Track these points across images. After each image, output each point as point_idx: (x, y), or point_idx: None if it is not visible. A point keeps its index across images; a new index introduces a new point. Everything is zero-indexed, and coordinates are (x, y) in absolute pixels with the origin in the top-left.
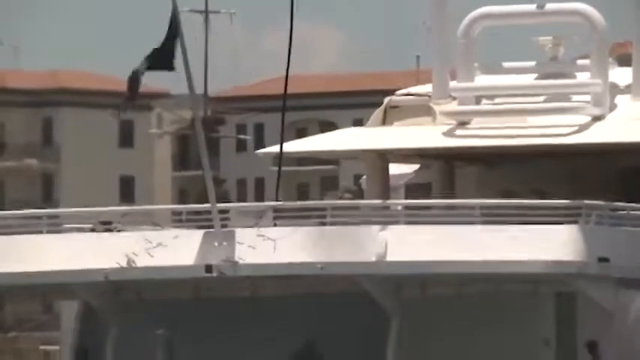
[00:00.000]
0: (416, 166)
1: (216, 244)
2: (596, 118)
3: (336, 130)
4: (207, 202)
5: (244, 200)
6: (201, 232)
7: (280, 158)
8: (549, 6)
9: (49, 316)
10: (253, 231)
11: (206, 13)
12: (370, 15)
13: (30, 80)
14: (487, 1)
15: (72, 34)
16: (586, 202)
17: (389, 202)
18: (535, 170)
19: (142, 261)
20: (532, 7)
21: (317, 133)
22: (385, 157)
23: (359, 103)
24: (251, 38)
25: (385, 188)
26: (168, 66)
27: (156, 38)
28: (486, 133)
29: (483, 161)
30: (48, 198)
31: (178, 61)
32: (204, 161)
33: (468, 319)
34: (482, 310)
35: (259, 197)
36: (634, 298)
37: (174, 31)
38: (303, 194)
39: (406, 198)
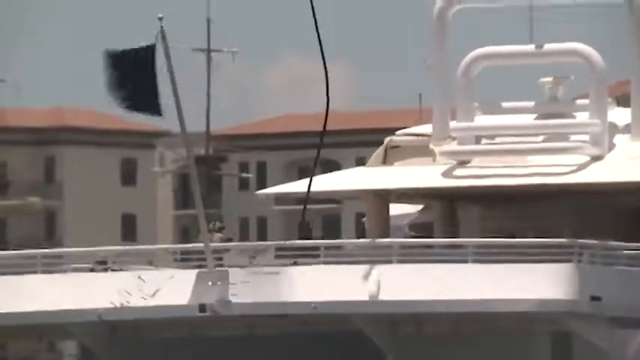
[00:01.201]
0: (420, 206)
1: (210, 283)
2: (595, 158)
3: (338, 171)
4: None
5: (247, 239)
6: (194, 271)
7: (307, 197)
8: (548, 46)
9: (52, 355)
10: (247, 270)
11: (208, 51)
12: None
13: (32, 118)
14: (487, 41)
15: (75, 72)
16: (578, 240)
17: (379, 240)
18: (537, 210)
19: (137, 301)
20: (531, 47)
21: (320, 171)
22: (385, 197)
23: (362, 141)
24: (253, 76)
25: (385, 227)
26: (156, 110)
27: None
28: (485, 173)
29: (484, 201)
30: (51, 236)
31: (169, 98)
32: (198, 201)
33: (465, 357)
34: (478, 348)
35: (261, 236)
36: (630, 337)
37: (149, 66)
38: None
39: (410, 237)
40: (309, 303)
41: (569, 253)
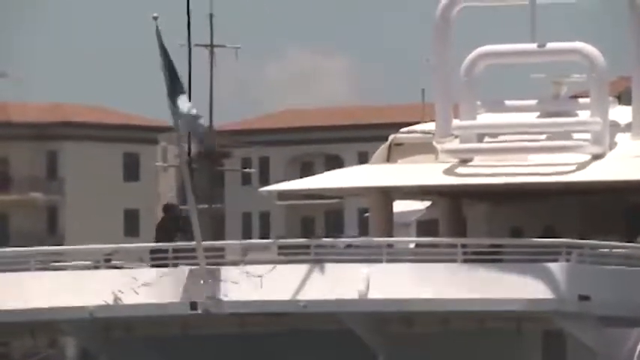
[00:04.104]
0: (427, 203)
1: (201, 281)
2: (596, 157)
3: (341, 168)
4: (213, 234)
5: (249, 234)
6: (186, 269)
7: None
8: (550, 45)
9: (54, 351)
10: (238, 268)
11: (211, 47)
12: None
13: (34, 113)
14: (490, 40)
15: (77, 66)
16: (567, 240)
17: (369, 239)
18: (543, 207)
19: (128, 299)
20: (533, 45)
21: (322, 166)
22: (389, 194)
23: (364, 136)
24: (256, 71)
25: (389, 225)
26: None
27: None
28: (487, 171)
29: (487, 198)
30: (53, 231)
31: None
32: (190, 198)
33: (454, 356)
34: (468, 348)
35: (264, 231)
36: (621, 336)
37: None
38: (307, 228)
39: (417, 234)
40: (299, 301)
41: (557, 253)
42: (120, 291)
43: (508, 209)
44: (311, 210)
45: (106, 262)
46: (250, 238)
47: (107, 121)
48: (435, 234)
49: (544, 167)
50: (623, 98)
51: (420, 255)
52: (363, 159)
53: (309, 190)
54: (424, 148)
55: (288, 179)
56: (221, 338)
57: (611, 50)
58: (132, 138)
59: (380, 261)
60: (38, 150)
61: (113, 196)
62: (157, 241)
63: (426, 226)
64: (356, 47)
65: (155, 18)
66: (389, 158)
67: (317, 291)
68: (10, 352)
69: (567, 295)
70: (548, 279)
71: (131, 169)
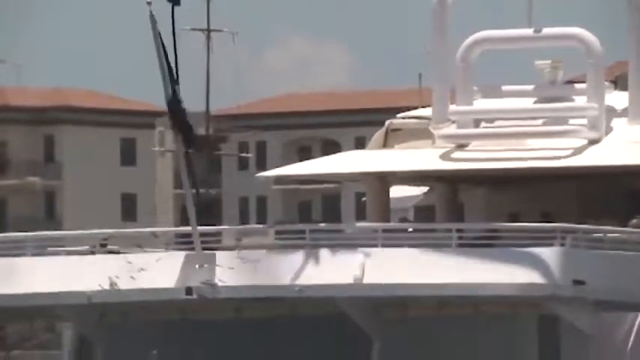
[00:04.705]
0: (425, 188)
1: (197, 266)
2: (593, 142)
3: (338, 153)
4: (209, 218)
5: (247, 219)
6: (182, 254)
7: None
8: (546, 30)
9: (51, 335)
10: (233, 253)
11: (208, 31)
12: (373, 32)
13: (32, 98)
14: (487, 25)
15: (74, 52)
16: (561, 225)
17: (362, 224)
18: (540, 192)
19: (125, 284)
20: (529, 31)
21: (320, 151)
22: (386, 179)
23: (361, 121)
24: (253, 56)
25: (385, 210)
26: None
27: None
28: (483, 156)
29: (484, 183)
30: (50, 215)
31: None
32: (185, 184)
33: (450, 340)
34: (463, 332)
35: (261, 216)
36: (616, 321)
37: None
38: (305, 212)
39: (415, 220)
40: (295, 286)
41: (553, 237)
42: (116, 276)
43: (505, 194)
44: (308, 194)
45: (102, 246)
46: (247, 223)
47: (104, 106)
48: (432, 219)
49: (540, 152)
50: (620, 83)
51: (416, 240)
52: (361, 143)
53: (307, 175)
54: (421, 133)
55: (286, 164)
56: (217, 323)
57: (609, 34)
58: (129, 123)
59: (375, 246)
60: (36, 134)
61: (110, 180)
62: None
63: (423, 211)
64: (353, 32)
65: (149, 3)
66: (386, 144)
67: (312, 276)
68: (6, 335)
69: (562, 280)
70: (543, 264)
71: (128, 154)
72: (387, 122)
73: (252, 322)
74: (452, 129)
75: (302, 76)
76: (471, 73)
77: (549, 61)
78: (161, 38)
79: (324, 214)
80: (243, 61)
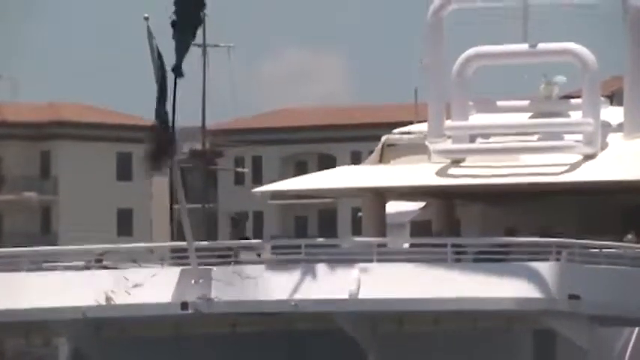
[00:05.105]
0: (422, 204)
1: (192, 281)
2: (588, 157)
3: (335, 168)
4: (209, 235)
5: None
6: (178, 269)
7: None
8: (542, 45)
9: (47, 350)
10: (229, 268)
11: (204, 46)
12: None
13: (28, 113)
14: (483, 41)
15: (70, 67)
16: (556, 240)
17: (357, 240)
18: (537, 207)
19: (120, 299)
20: (525, 46)
21: (316, 166)
22: (382, 195)
23: (357, 136)
24: (249, 70)
25: (381, 225)
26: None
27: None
28: (479, 172)
29: (482, 199)
30: (46, 231)
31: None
32: (181, 198)
33: (445, 355)
34: (459, 347)
35: (258, 231)
36: (612, 336)
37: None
38: (301, 227)
39: (411, 235)
40: (290, 301)
41: (547, 252)
42: (112, 291)
43: (501, 210)
44: (304, 209)
45: (97, 262)
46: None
47: (100, 121)
48: (428, 235)
49: (536, 168)
50: (616, 98)
51: (411, 255)
52: (357, 158)
53: (303, 190)
54: (417, 148)
55: (282, 179)
56: (213, 338)
57: (605, 49)
58: (125, 137)
59: (370, 261)
60: (32, 149)
61: (107, 195)
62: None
63: (420, 226)
64: (350, 46)
65: (146, 18)
66: (382, 159)
67: (308, 291)
68: (4, 350)
69: (557, 295)
70: (539, 278)
71: (124, 169)
72: (383, 138)
73: (248, 337)
74: (447, 144)
75: (298, 91)
76: (467, 89)
77: (544, 77)
78: (159, 52)
79: (320, 229)
80: (239, 74)
